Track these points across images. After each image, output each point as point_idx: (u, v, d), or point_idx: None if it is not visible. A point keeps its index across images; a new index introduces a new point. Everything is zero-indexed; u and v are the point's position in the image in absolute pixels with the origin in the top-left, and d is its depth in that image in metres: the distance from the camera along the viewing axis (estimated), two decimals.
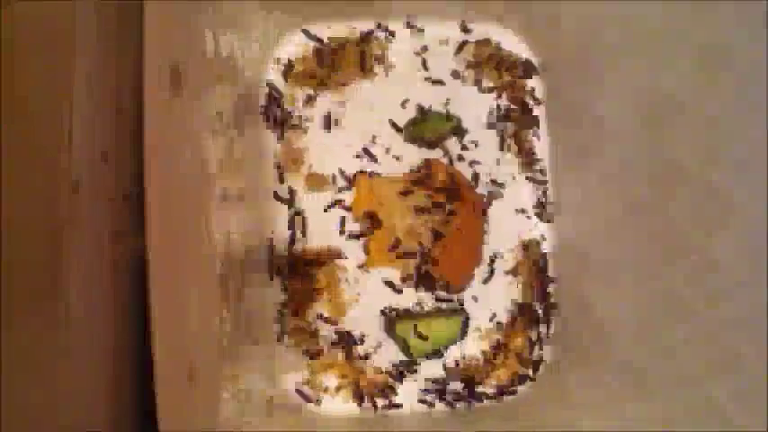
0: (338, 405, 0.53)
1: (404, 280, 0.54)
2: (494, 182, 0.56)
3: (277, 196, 0.54)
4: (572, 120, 0.54)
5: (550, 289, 0.56)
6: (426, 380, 0.54)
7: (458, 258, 0.55)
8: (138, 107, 0.30)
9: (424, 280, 0.54)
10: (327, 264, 0.54)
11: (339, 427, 0.52)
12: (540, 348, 0.55)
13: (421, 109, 0.55)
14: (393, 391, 0.53)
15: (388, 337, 0.54)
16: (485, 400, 0.54)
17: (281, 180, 0.54)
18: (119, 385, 0.34)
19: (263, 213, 0.53)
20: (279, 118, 0.54)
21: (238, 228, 0.46)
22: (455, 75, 0.56)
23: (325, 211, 0.54)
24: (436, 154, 0.55)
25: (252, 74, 0.52)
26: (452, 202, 0.55)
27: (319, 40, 0.55)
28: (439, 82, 0.56)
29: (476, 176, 0.56)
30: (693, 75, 0.40)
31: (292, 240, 0.53)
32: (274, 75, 0.54)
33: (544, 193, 0.56)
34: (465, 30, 0.56)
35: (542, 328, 0.55)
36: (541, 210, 0.56)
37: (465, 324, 0.55)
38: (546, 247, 0.56)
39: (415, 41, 0.56)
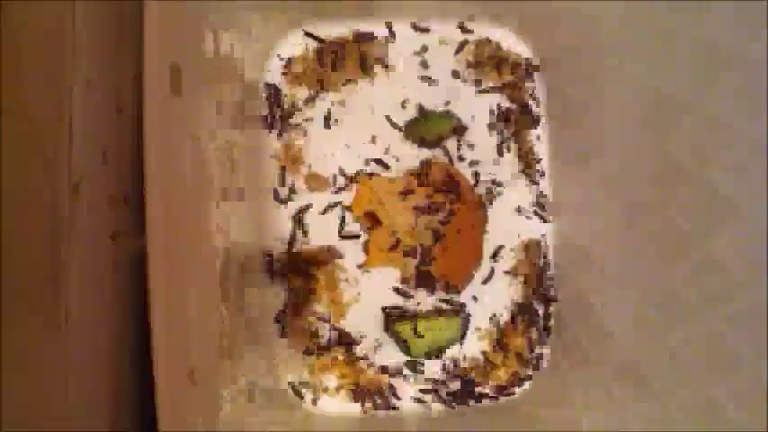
0: (338, 405, 0.53)
1: (404, 280, 0.54)
2: (494, 182, 0.56)
3: (277, 196, 0.54)
4: (572, 120, 0.54)
5: (550, 289, 0.56)
6: (426, 380, 0.54)
7: (458, 258, 0.55)
8: (138, 107, 0.30)
9: (424, 280, 0.54)
10: (327, 264, 0.54)
11: (339, 426, 0.52)
12: (541, 348, 0.55)
13: (421, 109, 0.55)
14: (393, 391, 0.53)
15: (388, 337, 0.54)
16: (484, 400, 0.54)
17: (281, 180, 0.54)
18: (119, 385, 0.34)
19: (263, 213, 0.53)
20: (279, 118, 0.54)
21: (238, 227, 0.46)
22: (455, 75, 0.56)
23: (325, 211, 0.54)
24: (436, 154, 0.55)
25: (252, 74, 0.52)
26: (452, 202, 0.55)
27: (319, 40, 0.55)
28: (439, 82, 0.56)
29: (476, 176, 0.56)
30: (693, 75, 0.40)
31: (292, 240, 0.53)
32: (274, 75, 0.54)
33: (544, 193, 0.56)
34: (465, 30, 0.56)
35: (542, 329, 0.55)
36: (541, 209, 0.56)
37: (465, 324, 0.55)
38: (546, 247, 0.56)
39: (414, 41, 0.56)
